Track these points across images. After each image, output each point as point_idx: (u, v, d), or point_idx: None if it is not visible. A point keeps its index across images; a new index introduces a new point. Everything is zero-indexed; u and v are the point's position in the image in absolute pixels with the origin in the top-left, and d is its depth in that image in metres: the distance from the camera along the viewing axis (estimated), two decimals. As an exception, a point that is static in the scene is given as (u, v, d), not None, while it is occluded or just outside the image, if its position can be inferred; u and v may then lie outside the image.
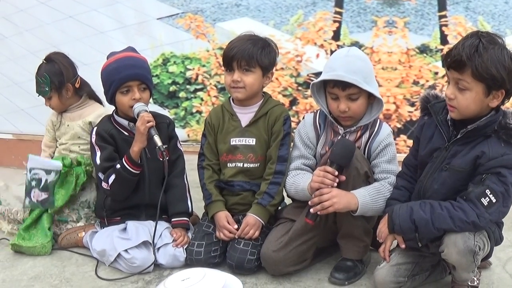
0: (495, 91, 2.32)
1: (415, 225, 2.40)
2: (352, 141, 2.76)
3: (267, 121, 2.98)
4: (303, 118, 3.03)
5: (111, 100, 3.05)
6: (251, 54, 2.88)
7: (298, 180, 2.84)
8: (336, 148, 2.68)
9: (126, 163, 2.93)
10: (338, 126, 2.83)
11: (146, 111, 2.96)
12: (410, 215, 2.40)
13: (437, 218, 2.36)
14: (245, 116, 3.02)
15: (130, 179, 2.97)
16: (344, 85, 2.69)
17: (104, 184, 3.01)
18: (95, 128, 3.09)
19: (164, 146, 2.88)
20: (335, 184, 2.61)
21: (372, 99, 2.81)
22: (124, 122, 3.06)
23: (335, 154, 2.65)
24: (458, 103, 2.37)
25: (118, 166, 2.94)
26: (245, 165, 2.99)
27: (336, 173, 2.61)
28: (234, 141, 3.00)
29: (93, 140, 3.05)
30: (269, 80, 3.02)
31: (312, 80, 3.23)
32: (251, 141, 2.99)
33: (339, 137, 2.82)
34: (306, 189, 2.73)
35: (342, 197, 2.63)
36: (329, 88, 2.78)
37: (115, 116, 3.10)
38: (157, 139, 2.89)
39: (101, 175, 3.02)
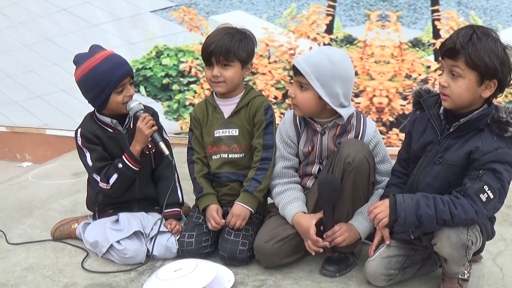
0: (487, 81, 2.32)
1: (419, 221, 2.35)
2: (334, 176, 2.69)
3: (249, 112, 2.99)
4: (284, 116, 3.02)
5: (104, 102, 2.95)
6: (229, 49, 2.88)
7: (284, 198, 2.86)
8: (322, 190, 2.66)
9: (129, 161, 2.94)
10: (315, 124, 2.83)
11: (143, 109, 2.98)
12: (417, 210, 2.34)
13: (440, 215, 2.33)
14: (227, 107, 3.03)
15: (131, 177, 2.99)
16: (296, 71, 2.73)
17: (102, 185, 2.97)
18: (79, 130, 3.02)
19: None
20: (321, 250, 2.74)
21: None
22: (107, 120, 3.02)
23: (325, 198, 2.68)
24: (451, 91, 2.37)
25: (120, 165, 2.94)
26: (230, 155, 3.01)
27: (327, 244, 2.71)
28: (218, 132, 3.02)
29: (79, 142, 3.00)
30: (248, 71, 3.02)
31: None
32: (234, 132, 3.00)
33: (318, 136, 2.83)
34: (288, 221, 2.81)
35: (350, 231, 2.74)
36: None
37: (98, 115, 3.05)
38: (163, 146, 2.95)
39: (96, 176, 2.99)
